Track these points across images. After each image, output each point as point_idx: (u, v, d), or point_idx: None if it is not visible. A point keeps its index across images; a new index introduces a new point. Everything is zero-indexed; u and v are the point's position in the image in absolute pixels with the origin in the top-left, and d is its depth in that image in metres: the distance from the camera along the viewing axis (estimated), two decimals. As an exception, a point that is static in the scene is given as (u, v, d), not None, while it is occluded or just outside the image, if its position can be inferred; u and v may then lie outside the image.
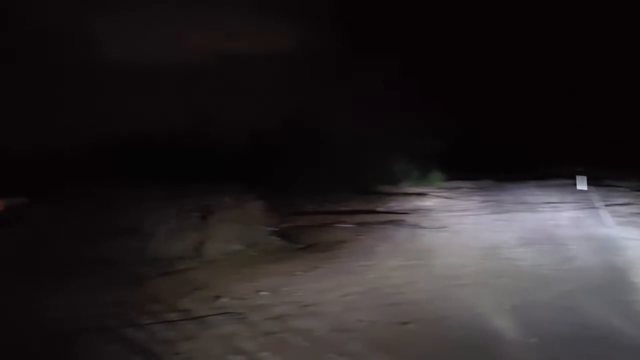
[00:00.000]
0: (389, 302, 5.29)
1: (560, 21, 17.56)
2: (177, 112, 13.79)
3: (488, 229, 9.84)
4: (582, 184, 14.05)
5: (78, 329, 4.69)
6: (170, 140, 13.31)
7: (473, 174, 17.63)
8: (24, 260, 7.46)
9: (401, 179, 16.71)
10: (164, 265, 7.44)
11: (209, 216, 8.59)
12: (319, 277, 6.55)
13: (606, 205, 11.23)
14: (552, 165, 18.25)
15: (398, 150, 16.37)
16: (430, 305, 5.16)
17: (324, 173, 14.22)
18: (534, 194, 15.83)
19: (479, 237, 8.95)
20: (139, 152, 12.33)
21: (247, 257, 8.11)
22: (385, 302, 5.32)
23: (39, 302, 5.61)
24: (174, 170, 10.71)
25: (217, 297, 5.68)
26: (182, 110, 13.80)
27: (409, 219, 11.69)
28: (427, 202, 14.62)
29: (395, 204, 14.44)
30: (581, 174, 14.37)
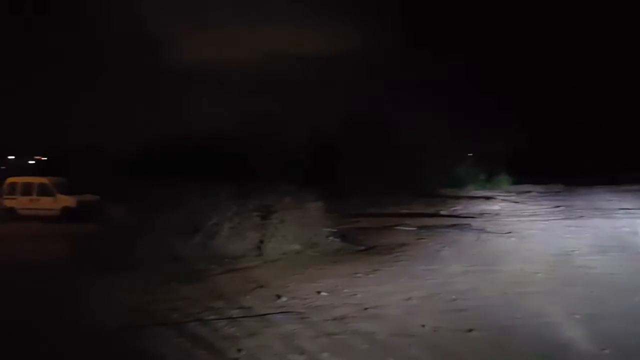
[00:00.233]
0: (453, 308, 5.13)
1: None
2: (242, 114, 14.15)
3: (559, 235, 9.43)
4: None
5: (145, 322, 4.86)
6: (234, 141, 13.66)
7: (543, 177, 17.02)
8: (98, 255, 7.88)
9: (467, 182, 16.31)
10: (226, 263, 7.64)
11: (270, 216, 8.70)
12: (380, 280, 6.47)
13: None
14: (626, 171, 17.39)
15: (464, 152, 16.02)
16: (496, 312, 4.95)
17: (386, 175, 14.11)
18: (607, 199, 15.01)
19: (549, 243, 8.59)
20: (204, 153, 12.72)
21: (307, 258, 8.15)
22: (448, 307, 5.17)
23: (112, 294, 5.88)
24: (238, 171, 10.96)
25: (278, 296, 5.72)
26: (246, 112, 14.14)
27: (475, 223, 11.37)
28: (494, 206, 14.18)
29: (460, 208, 14.09)
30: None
